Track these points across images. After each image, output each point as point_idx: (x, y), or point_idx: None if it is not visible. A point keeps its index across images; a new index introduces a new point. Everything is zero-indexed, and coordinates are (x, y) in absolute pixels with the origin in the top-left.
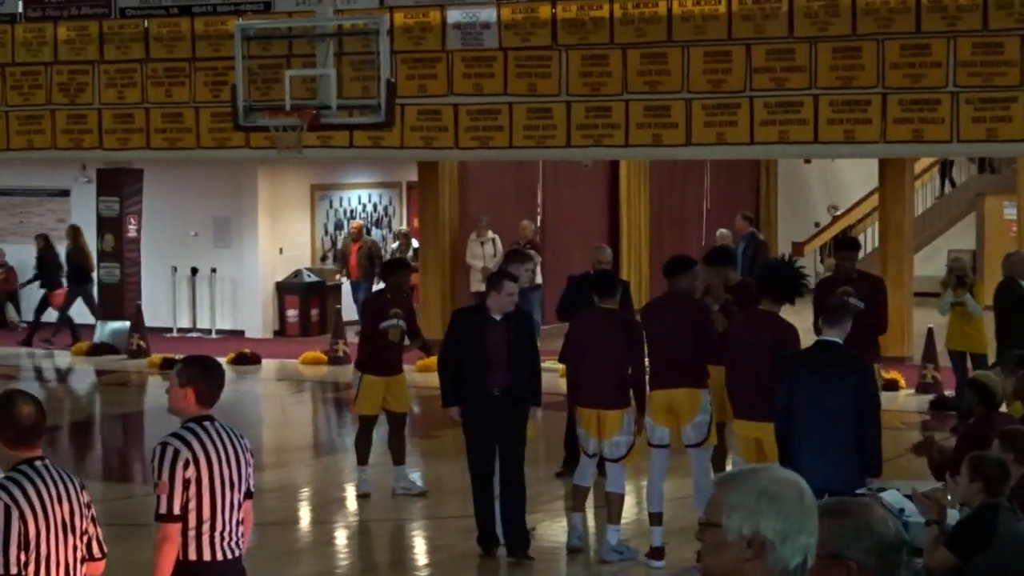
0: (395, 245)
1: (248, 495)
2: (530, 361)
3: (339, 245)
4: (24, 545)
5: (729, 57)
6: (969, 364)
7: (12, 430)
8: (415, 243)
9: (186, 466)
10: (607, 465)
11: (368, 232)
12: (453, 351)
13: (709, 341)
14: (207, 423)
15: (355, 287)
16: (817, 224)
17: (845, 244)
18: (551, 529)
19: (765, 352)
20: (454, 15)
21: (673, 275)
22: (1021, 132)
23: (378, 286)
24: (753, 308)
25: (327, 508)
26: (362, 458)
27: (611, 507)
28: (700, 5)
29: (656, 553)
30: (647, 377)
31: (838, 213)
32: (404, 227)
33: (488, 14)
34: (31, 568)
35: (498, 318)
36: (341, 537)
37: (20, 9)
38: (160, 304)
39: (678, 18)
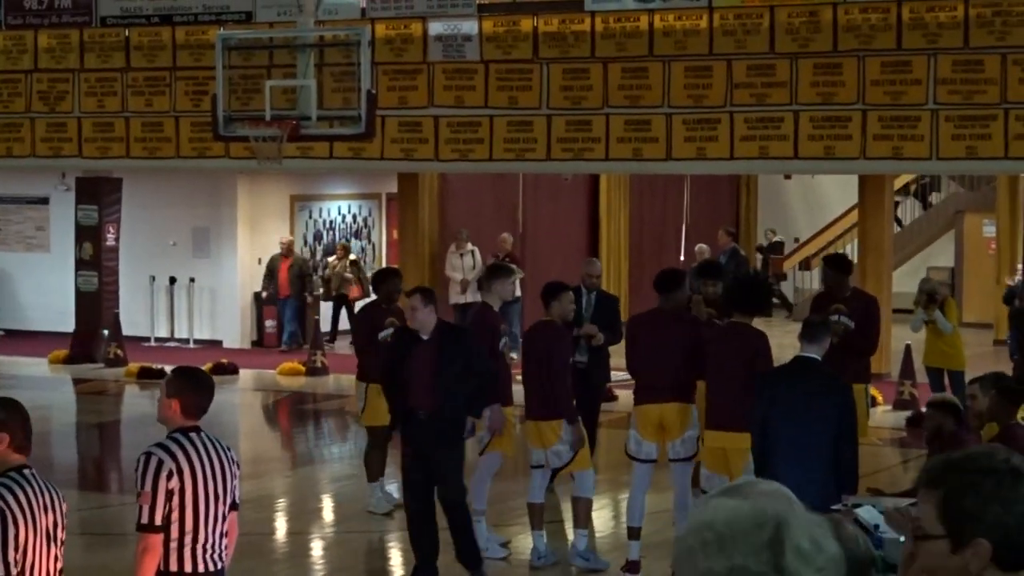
0: (332, 258)
1: (233, 507)
2: (467, 379)
3: (318, 257)
4: (16, 548)
5: (710, 72)
6: (947, 381)
7: (22, 437)
8: (352, 256)
9: (169, 477)
10: (573, 472)
11: (348, 244)
12: (387, 374)
13: (698, 356)
14: (193, 434)
15: (283, 304)
16: (797, 240)
17: (832, 262)
18: (527, 542)
19: (736, 363)
20: (436, 27)
21: (665, 290)
22: (1001, 150)
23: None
24: (730, 322)
25: (304, 519)
26: (374, 473)
27: (578, 511)
28: (681, 20)
29: (632, 567)
30: (633, 390)
31: (775, 239)
32: (344, 240)
33: (470, 26)
34: (15, 574)
35: (426, 338)
36: (318, 548)
37: (0, 17)
38: (138, 313)
39: (659, 33)
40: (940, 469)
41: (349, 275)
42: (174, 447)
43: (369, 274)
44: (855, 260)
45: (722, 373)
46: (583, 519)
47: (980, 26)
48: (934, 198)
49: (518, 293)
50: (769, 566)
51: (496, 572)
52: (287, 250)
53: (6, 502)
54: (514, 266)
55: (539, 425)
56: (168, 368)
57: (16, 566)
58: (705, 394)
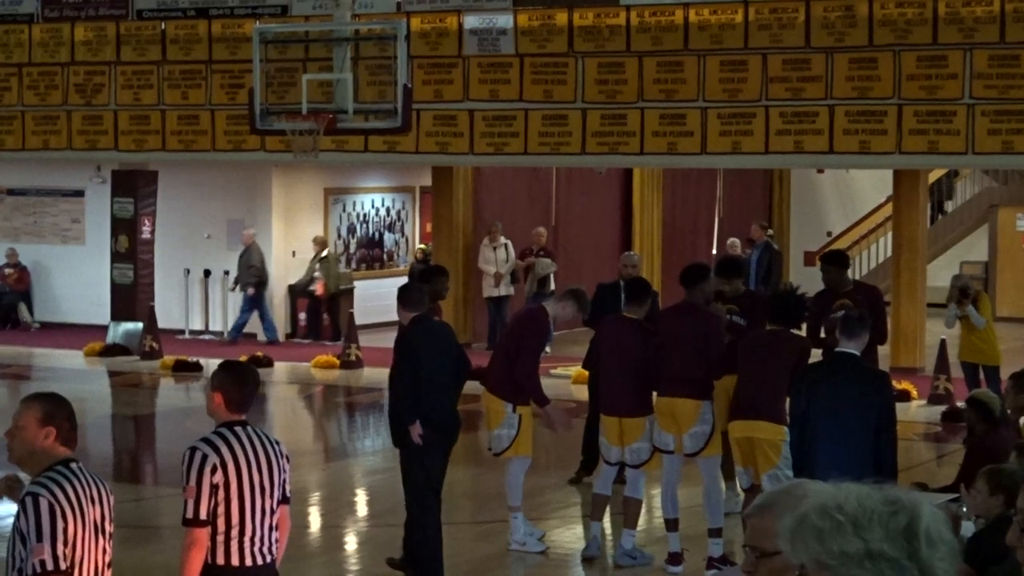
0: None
1: (284, 500)
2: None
3: (352, 250)
4: (65, 542)
5: (745, 66)
6: (982, 376)
7: (68, 431)
8: (324, 252)
9: (213, 471)
10: (627, 471)
11: (324, 239)
12: None
13: (716, 352)
14: (238, 428)
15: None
16: (829, 233)
17: (828, 258)
18: (564, 536)
19: (776, 364)
20: (471, 21)
21: (691, 284)
22: None
23: None
24: (765, 330)
25: (339, 513)
26: None
27: (628, 512)
28: (717, 14)
29: (673, 559)
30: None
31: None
32: (321, 234)
33: (505, 20)
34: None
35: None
36: (352, 542)
37: (38, 9)
38: (173, 306)
39: (695, 27)
40: None
41: (318, 273)
42: (218, 441)
43: (341, 271)
44: (890, 254)
45: (759, 370)
46: (632, 519)
47: (1016, 21)
48: (949, 206)
49: (552, 287)
50: (904, 553)
51: (535, 565)
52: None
53: (55, 496)
54: (548, 259)
55: (622, 422)
56: (203, 361)
57: (66, 560)
58: (735, 390)
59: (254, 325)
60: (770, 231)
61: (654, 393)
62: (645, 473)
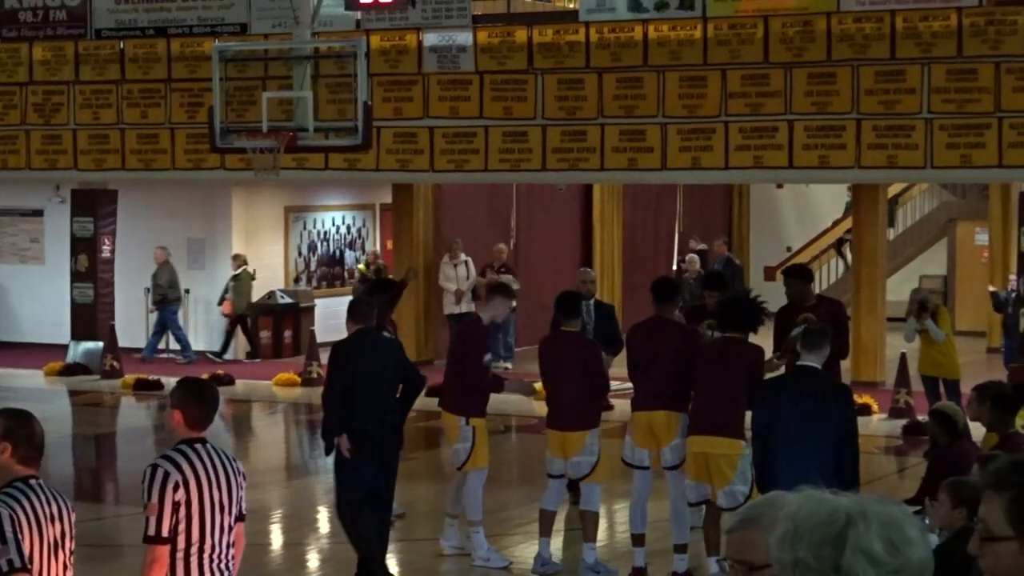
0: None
1: (240, 518)
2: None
3: (312, 268)
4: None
5: (705, 82)
6: (942, 389)
7: (27, 449)
8: (239, 270)
9: (175, 488)
10: (581, 484)
11: (242, 255)
12: None
13: (691, 366)
14: (198, 445)
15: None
16: (789, 248)
17: (791, 272)
18: (528, 552)
19: (729, 374)
20: (430, 38)
21: (662, 299)
22: (994, 158)
23: None
24: (723, 337)
25: (301, 531)
26: None
27: (586, 525)
28: (676, 30)
29: (638, 573)
30: (631, 399)
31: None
32: (238, 251)
33: (464, 37)
34: None
35: None
36: (315, 560)
37: None
38: (134, 325)
39: (654, 43)
40: (1007, 471)
41: (229, 292)
42: (179, 458)
43: (301, 288)
44: (850, 267)
45: (714, 383)
46: (591, 532)
47: (973, 35)
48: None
49: (513, 304)
50: (827, 563)
51: None
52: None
53: (13, 510)
54: (511, 277)
55: (566, 435)
56: (164, 379)
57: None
58: (692, 403)
59: (214, 342)
60: (708, 244)
61: (609, 408)
62: (599, 485)
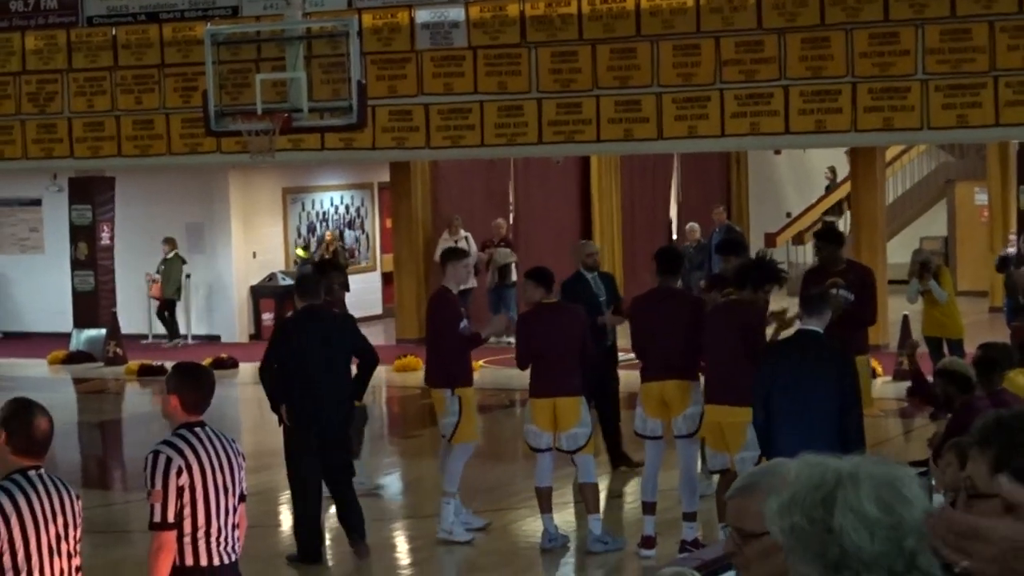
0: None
1: (242, 499)
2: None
3: (312, 249)
4: (12, 556)
5: (698, 50)
6: (946, 350)
7: (24, 440)
8: (170, 254)
9: (179, 474)
10: (575, 457)
11: (172, 239)
12: None
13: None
14: (197, 429)
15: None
16: (789, 214)
17: (823, 235)
18: (535, 526)
19: (731, 336)
20: (423, 15)
21: (667, 269)
22: (991, 118)
23: None
24: (726, 299)
25: None
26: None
27: (587, 498)
28: None
29: (647, 542)
30: (640, 370)
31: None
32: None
33: (456, 13)
34: None
35: None
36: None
37: None
38: (135, 311)
39: (646, 12)
40: (992, 428)
41: (157, 275)
42: (181, 443)
43: (184, 274)
44: (848, 233)
45: (717, 348)
46: (593, 504)
47: None
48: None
49: (514, 278)
50: (819, 525)
51: (508, 556)
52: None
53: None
54: (508, 250)
55: (556, 403)
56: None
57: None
58: (704, 370)
59: (217, 326)
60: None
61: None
62: (592, 456)
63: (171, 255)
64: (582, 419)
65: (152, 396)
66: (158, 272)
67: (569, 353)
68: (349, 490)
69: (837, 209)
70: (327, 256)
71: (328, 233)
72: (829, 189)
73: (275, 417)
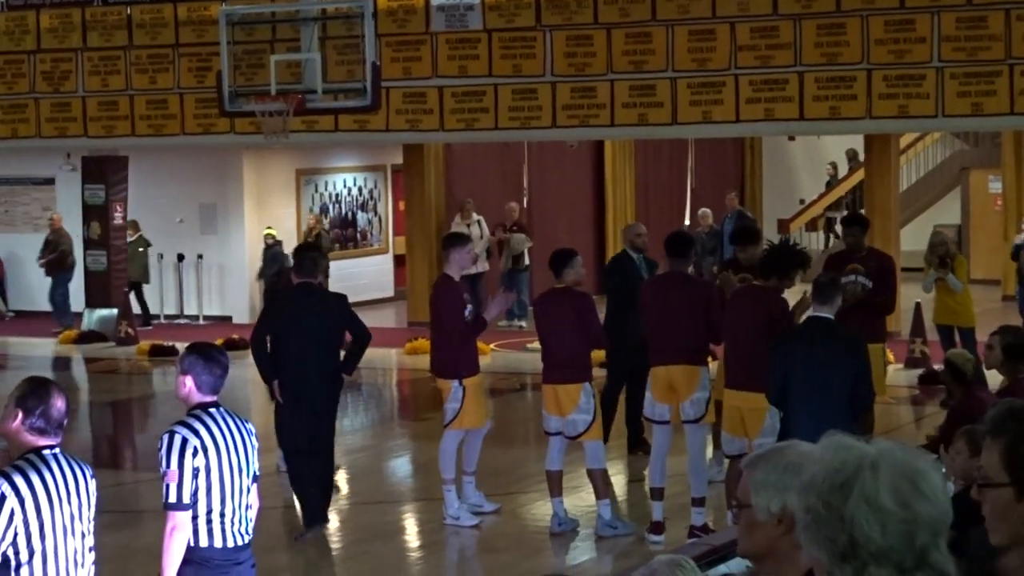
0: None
1: (255, 479)
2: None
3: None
4: (27, 536)
5: (714, 35)
6: (957, 338)
7: (42, 420)
8: (134, 236)
9: (195, 454)
10: (583, 442)
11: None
12: None
13: (713, 320)
14: (212, 410)
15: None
16: (802, 201)
17: (851, 220)
18: (545, 509)
19: (756, 324)
20: None
21: (677, 253)
22: (1006, 106)
23: None
24: (749, 284)
25: None
26: None
27: (596, 483)
28: None
29: (656, 528)
30: (649, 354)
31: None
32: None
33: None
34: (37, 559)
35: None
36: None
37: None
38: (147, 291)
39: None
40: (1003, 417)
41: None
42: (196, 424)
43: (146, 257)
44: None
45: (739, 334)
46: (602, 489)
47: None
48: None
49: (527, 262)
50: (834, 511)
51: (517, 540)
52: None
53: (14, 486)
54: (523, 235)
55: (557, 390)
56: (179, 345)
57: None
58: (723, 355)
59: (229, 307)
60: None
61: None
62: (600, 441)
63: (135, 238)
64: (580, 405)
65: (163, 376)
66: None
67: (569, 339)
68: (329, 468)
69: (837, 205)
70: (310, 240)
71: (311, 216)
72: (829, 185)
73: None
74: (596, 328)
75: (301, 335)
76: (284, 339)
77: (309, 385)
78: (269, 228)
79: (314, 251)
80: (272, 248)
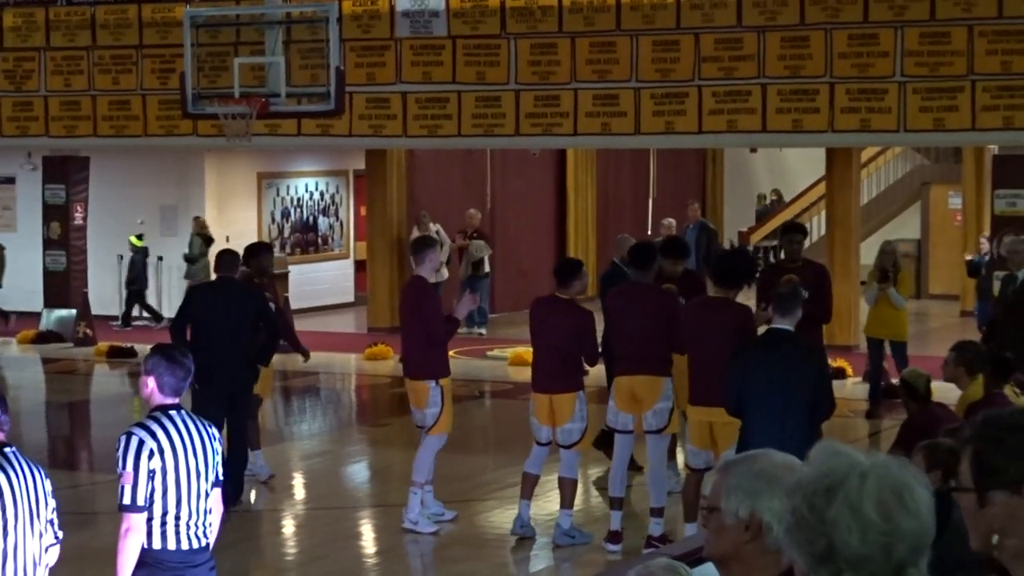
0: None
1: (217, 483)
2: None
3: (286, 235)
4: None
5: (678, 46)
6: (888, 351)
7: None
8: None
9: (151, 456)
10: (561, 451)
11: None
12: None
13: (675, 330)
14: (172, 412)
15: None
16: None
17: (794, 228)
18: (503, 516)
19: (721, 337)
20: (403, 3)
21: (642, 264)
22: (967, 122)
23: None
24: (705, 295)
25: (276, 496)
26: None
27: (564, 492)
28: None
29: (614, 537)
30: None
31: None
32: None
33: (437, 2)
34: None
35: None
36: (290, 525)
37: None
38: (107, 292)
39: (627, 7)
40: (975, 426)
41: None
42: (154, 426)
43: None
44: (823, 232)
45: (705, 347)
46: (568, 500)
47: None
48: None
49: (487, 269)
50: (817, 515)
51: (474, 547)
52: None
53: None
54: (482, 242)
55: (552, 399)
56: (138, 347)
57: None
58: (688, 369)
59: None
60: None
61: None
62: (579, 453)
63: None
64: (575, 415)
65: (121, 377)
66: None
67: (566, 350)
68: (241, 453)
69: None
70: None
71: (198, 218)
72: (760, 216)
73: None
74: (592, 348)
75: (214, 322)
76: (200, 325)
77: (223, 367)
78: (133, 237)
79: (267, 251)
80: (135, 257)
